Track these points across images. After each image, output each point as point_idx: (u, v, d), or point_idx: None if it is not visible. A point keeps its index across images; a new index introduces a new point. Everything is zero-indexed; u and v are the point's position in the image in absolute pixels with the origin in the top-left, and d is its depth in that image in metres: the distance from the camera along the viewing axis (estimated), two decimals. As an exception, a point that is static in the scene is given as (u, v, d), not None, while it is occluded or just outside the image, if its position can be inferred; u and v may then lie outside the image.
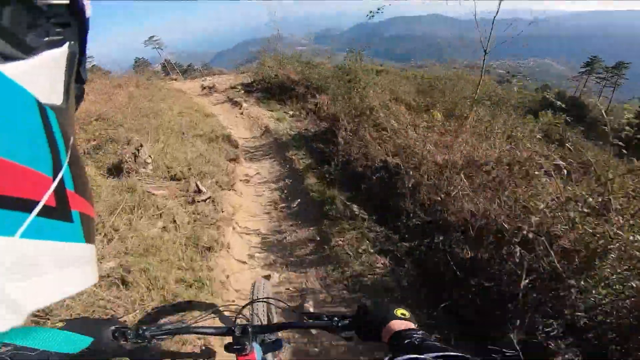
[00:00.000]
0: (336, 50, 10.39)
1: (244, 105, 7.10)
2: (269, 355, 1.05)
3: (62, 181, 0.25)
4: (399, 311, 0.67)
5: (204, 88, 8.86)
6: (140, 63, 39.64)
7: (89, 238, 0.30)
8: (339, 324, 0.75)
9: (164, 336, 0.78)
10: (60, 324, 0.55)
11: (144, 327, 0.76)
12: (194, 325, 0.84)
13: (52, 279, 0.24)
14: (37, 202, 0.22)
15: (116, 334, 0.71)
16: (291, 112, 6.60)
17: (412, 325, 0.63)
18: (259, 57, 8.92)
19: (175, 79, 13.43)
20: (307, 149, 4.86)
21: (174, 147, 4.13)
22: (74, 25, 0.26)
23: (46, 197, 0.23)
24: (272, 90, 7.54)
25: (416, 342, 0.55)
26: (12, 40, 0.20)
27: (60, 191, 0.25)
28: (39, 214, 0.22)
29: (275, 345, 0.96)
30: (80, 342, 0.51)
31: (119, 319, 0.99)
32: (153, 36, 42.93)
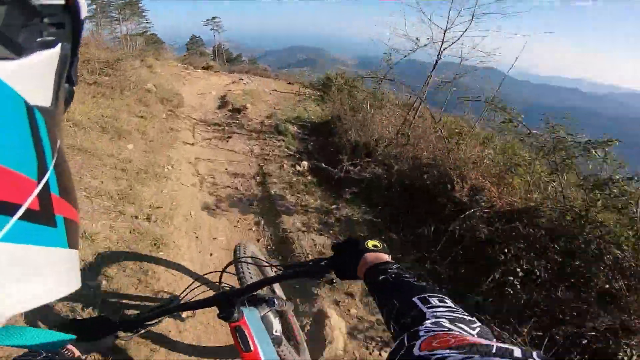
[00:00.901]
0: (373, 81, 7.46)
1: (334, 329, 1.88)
2: (270, 315, 1.03)
3: (47, 185, 0.24)
4: (371, 243, 0.67)
5: (224, 103, 5.40)
6: (195, 41, 38.83)
7: (72, 243, 0.28)
8: (318, 268, 0.73)
9: (154, 319, 0.78)
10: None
11: (133, 316, 0.79)
12: (181, 303, 0.84)
13: (33, 284, 0.23)
14: (20, 206, 0.21)
15: (108, 328, 0.73)
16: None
17: (385, 257, 0.64)
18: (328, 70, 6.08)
19: (208, 68, 11.07)
20: None
21: None
22: (68, 26, 0.26)
23: (30, 201, 0.22)
24: (395, 196, 3.24)
25: (391, 278, 0.54)
26: (3, 41, 0.19)
27: (44, 195, 0.24)
28: (21, 218, 0.21)
29: (269, 304, 0.95)
30: (65, 338, 0.45)
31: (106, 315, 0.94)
32: (215, 17, 41.94)
